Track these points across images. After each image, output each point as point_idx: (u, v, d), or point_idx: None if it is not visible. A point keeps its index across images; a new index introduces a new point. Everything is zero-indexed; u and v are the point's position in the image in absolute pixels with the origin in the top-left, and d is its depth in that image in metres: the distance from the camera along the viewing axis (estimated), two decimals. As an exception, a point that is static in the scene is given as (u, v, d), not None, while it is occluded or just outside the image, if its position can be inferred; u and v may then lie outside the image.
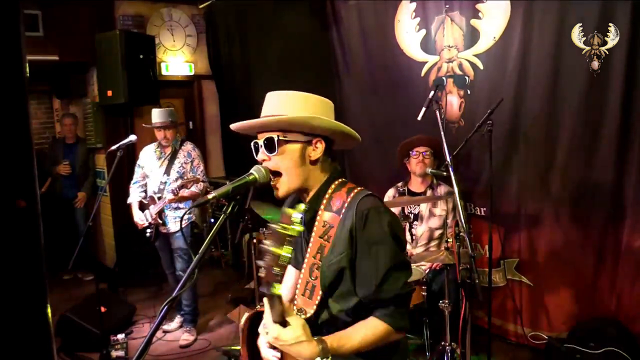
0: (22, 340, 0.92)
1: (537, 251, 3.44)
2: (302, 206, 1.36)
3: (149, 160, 3.91)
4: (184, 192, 3.64)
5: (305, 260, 1.57)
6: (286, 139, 1.48)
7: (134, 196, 3.93)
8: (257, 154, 1.54)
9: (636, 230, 2.97)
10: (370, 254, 1.45)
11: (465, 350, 2.87)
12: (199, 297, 4.16)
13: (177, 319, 4.11)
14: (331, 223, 1.51)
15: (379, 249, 1.44)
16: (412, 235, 3.56)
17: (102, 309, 3.53)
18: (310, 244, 1.55)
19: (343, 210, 1.50)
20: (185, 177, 3.74)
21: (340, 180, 1.58)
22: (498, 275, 3.64)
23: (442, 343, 2.95)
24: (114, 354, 3.55)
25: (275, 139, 1.46)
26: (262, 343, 1.57)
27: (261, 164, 1.52)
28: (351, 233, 1.46)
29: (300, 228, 1.29)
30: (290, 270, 1.86)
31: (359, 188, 1.54)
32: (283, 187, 1.51)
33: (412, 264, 3.16)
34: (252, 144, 1.55)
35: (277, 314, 1.33)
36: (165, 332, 4.02)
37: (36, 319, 0.94)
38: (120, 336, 3.76)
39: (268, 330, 1.35)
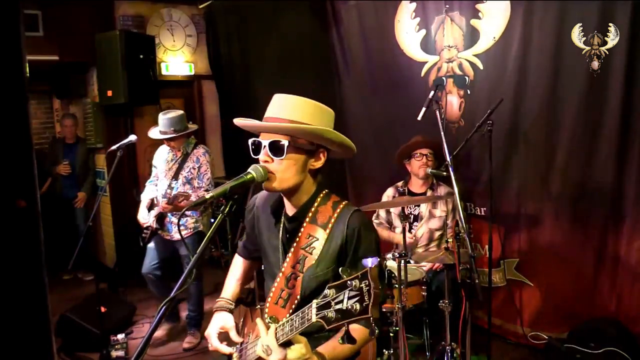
0: (22, 340, 0.92)
1: (537, 251, 3.44)
2: (375, 260, 1.30)
3: (161, 161, 3.81)
4: (178, 203, 3.49)
5: (282, 269, 1.58)
6: (295, 145, 1.48)
7: (146, 194, 3.84)
8: (255, 153, 1.53)
9: (636, 230, 2.97)
10: (357, 268, 1.47)
11: (465, 350, 2.87)
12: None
13: (166, 326, 4.01)
14: (316, 236, 1.54)
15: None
16: (412, 236, 3.56)
17: (102, 309, 3.53)
18: (290, 254, 1.57)
19: (330, 225, 1.54)
20: (192, 184, 3.67)
21: (324, 192, 1.61)
22: (498, 275, 3.64)
23: (442, 343, 2.95)
24: (114, 354, 3.54)
25: (286, 144, 1.46)
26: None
27: (258, 162, 1.52)
28: (341, 248, 1.52)
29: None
30: (238, 261, 1.90)
31: (343, 202, 1.59)
32: (277, 183, 1.51)
33: (412, 264, 3.18)
34: (250, 141, 1.54)
35: (286, 337, 1.37)
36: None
37: (36, 319, 0.94)
38: (120, 336, 3.75)
39: (272, 352, 1.38)
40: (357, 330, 1.48)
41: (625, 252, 3.03)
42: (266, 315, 1.58)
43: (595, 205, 3.12)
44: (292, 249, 1.58)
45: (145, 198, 3.82)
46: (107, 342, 3.59)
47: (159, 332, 4.02)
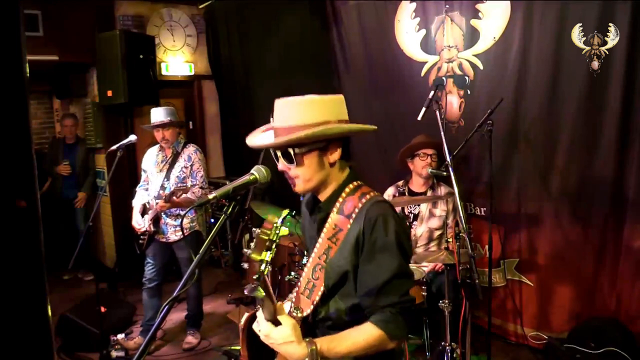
0: (22, 340, 0.92)
1: (537, 251, 3.44)
2: (285, 211, 1.38)
3: (150, 164, 3.76)
4: (176, 199, 3.45)
5: (311, 259, 1.58)
6: (302, 151, 1.48)
7: (138, 199, 3.79)
8: (277, 161, 1.55)
9: (636, 230, 2.97)
10: (373, 260, 1.46)
11: (465, 350, 2.88)
12: (199, 297, 4.14)
13: (138, 336, 3.88)
14: (341, 226, 1.53)
15: (383, 256, 1.46)
16: (411, 235, 3.56)
17: (102, 309, 3.52)
18: (318, 244, 1.57)
19: (353, 215, 1.51)
20: (186, 183, 3.62)
21: (355, 183, 1.59)
22: (498, 275, 3.64)
23: (442, 343, 2.95)
24: (114, 354, 3.54)
25: (292, 153, 1.47)
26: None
27: (282, 173, 1.54)
28: (358, 239, 1.48)
29: (283, 232, 1.30)
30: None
31: (372, 193, 1.56)
32: (301, 186, 1.54)
33: (412, 264, 3.18)
34: (272, 151, 1.56)
35: (268, 312, 1.35)
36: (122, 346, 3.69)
37: (36, 319, 0.94)
38: (120, 336, 3.75)
39: (260, 327, 1.38)
40: (368, 329, 1.44)
41: (625, 252, 3.03)
42: (292, 304, 1.58)
43: (595, 205, 3.12)
44: (320, 240, 1.57)
45: (137, 204, 3.76)
46: (107, 342, 3.59)
47: (159, 333, 4.00)
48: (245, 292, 1.28)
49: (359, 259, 1.48)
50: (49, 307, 0.96)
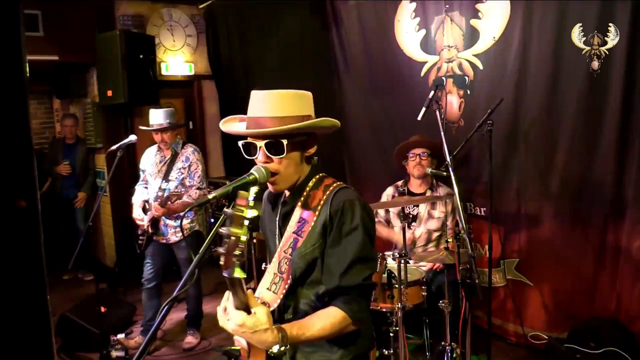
0: (22, 339, 0.92)
1: (537, 251, 3.44)
2: (254, 188, 1.36)
3: (149, 164, 3.75)
4: (171, 205, 3.45)
5: (276, 254, 1.59)
6: (293, 141, 1.48)
7: (137, 195, 3.77)
8: (249, 154, 1.52)
9: (636, 230, 2.97)
10: (340, 244, 1.48)
11: (465, 350, 2.87)
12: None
13: (138, 335, 3.90)
14: (306, 219, 1.54)
15: (348, 239, 1.48)
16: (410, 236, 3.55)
17: (102, 309, 3.52)
18: (283, 238, 1.58)
19: (319, 207, 1.53)
20: (184, 184, 3.62)
21: (318, 175, 1.60)
22: (498, 275, 3.64)
23: (442, 343, 2.95)
24: (114, 354, 3.54)
25: (285, 143, 1.46)
26: (219, 311, 1.50)
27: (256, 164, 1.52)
28: (325, 225, 1.50)
29: (255, 212, 1.26)
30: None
31: (335, 184, 1.58)
32: (283, 184, 1.53)
33: (412, 264, 3.18)
34: (240, 143, 1.52)
35: (240, 300, 1.30)
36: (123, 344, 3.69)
37: (36, 319, 0.94)
38: (120, 336, 3.75)
39: (230, 317, 1.32)
40: (332, 313, 1.45)
41: (625, 251, 3.03)
42: (258, 301, 1.57)
43: (595, 205, 3.12)
44: (285, 234, 1.58)
45: (136, 200, 3.74)
46: (107, 342, 3.59)
47: (159, 333, 4.00)
48: (225, 274, 1.21)
49: (326, 243, 1.50)
50: (49, 307, 0.96)
